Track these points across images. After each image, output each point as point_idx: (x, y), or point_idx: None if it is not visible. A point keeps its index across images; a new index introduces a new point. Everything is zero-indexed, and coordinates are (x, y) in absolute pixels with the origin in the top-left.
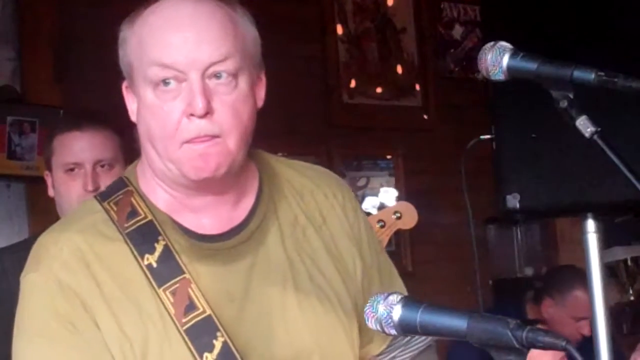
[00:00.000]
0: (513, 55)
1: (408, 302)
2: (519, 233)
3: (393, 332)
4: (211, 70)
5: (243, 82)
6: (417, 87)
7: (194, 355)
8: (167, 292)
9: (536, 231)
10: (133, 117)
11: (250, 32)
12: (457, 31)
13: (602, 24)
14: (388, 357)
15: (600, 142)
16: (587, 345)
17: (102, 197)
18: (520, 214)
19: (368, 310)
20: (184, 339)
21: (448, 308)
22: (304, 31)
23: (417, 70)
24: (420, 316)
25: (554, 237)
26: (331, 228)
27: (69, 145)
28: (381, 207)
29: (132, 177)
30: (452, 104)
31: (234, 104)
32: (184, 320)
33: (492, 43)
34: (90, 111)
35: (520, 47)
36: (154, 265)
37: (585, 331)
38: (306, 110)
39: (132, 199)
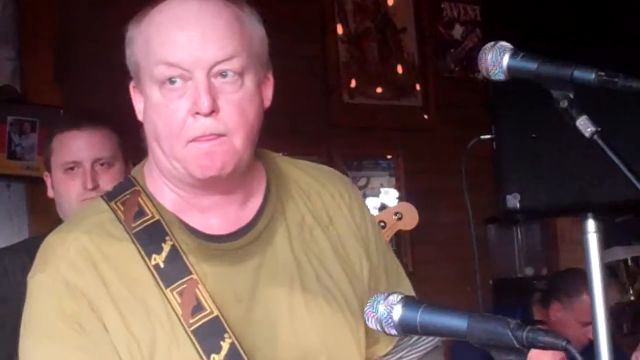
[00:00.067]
0: (513, 55)
1: (408, 302)
2: (519, 233)
3: (393, 332)
4: (217, 68)
5: (249, 81)
6: (418, 87)
7: (201, 357)
8: (175, 293)
9: (536, 231)
10: (140, 117)
11: (257, 31)
12: (458, 31)
13: (602, 24)
14: (394, 358)
15: (600, 142)
16: (593, 349)
17: (109, 197)
18: (520, 213)
19: (368, 310)
20: (191, 339)
21: (448, 308)
22: (304, 31)
23: (418, 70)
24: (421, 316)
25: (554, 237)
26: (338, 228)
27: (67, 144)
28: (382, 207)
29: (139, 176)
30: (453, 103)
31: (240, 102)
32: (191, 321)
33: (492, 43)
34: (89, 110)
35: (521, 47)
36: (161, 265)
37: (592, 335)
38: (306, 110)
39: (139, 199)
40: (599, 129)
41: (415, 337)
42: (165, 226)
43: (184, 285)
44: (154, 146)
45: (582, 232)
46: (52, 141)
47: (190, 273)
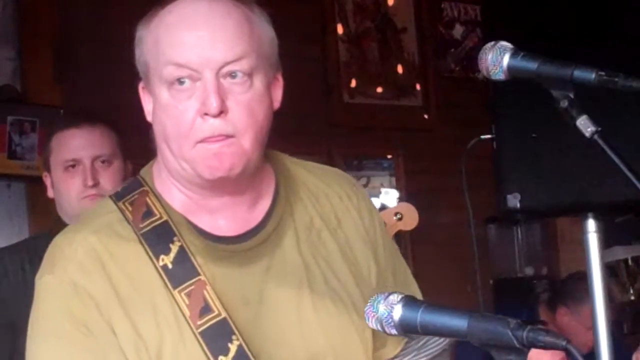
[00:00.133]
0: (513, 55)
1: (408, 301)
2: (519, 233)
3: (394, 331)
4: (226, 69)
5: (258, 81)
6: (418, 86)
7: (208, 358)
8: (182, 294)
9: (537, 231)
10: (149, 118)
11: (267, 32)
12: (458, 31)
13: (602, 24)
14: None
15: (600, 141)
16: None
17: (117, 196)
18: (520, 213)
19: (369, 310)
20: (198, 341)
21: (448, 308)
22: (304, 31)
23: (418, 70)
24: (421, 316)
25: (554, 237)
26: (346, 231)
27: (67, 142)
28: (382, 207)
29: (148, 177)
30: (453, 103)
31: (249, 103)
32: (199, 323)
33: (492, 43)
34: (87, 109)
35: (521, 47)
36: (169, 266)
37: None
38: (307, 110)
39: (148, 199)
40: (599, 128)
41: (424, 340)
42: (173, 227)
43: (192, 287)
44: (163, 147)
45: (583, 232)
46: (51, 140)
47: (198, 274)
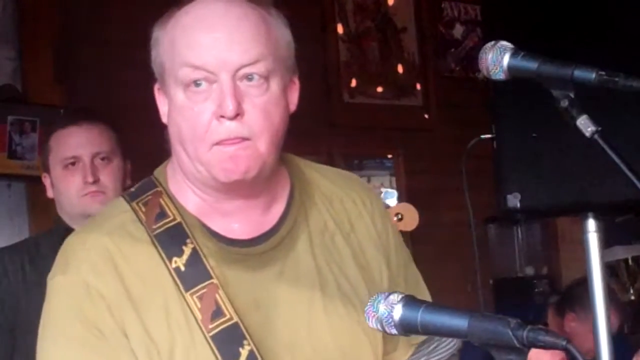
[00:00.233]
0: (514, 54)
1: (409, 301)
2: (519, 232)
3: (394, 331)
4: (242, 72)
5: (275, 84)
6: (418, 86)
7: None
8: (195, 297)
9: (537, 231)
10: (164, 119)
11: (284, 35)
12: (458, 30)
13: (602, 24)
14: None
15: (600, 141)
16: None
17: (131, 197)
18: (520, 213)
19: (369, 310)
20: (210, 345)
21: (449, 307)
22: (304, 31)
23: (418, 69)
24: (421, 316)
25: (554, 237)
26: (359, 236)
27: (66, 141)
28: None
29: (162, 177)
30: (453, 103)
31: (265, 106)
32: (210, 327)
33: (492, 42)
34: (86, 108)
35: (521, 47)
36: (182, 268)
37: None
38: (307, 110)
39: (161, 200)
40: (600, 128)
41: (434, 345)
42: (186, 229)
43: (204, 290)
44: (178, 149)
45: (583, 232)
46: (50, 139)
47: (211, 277)
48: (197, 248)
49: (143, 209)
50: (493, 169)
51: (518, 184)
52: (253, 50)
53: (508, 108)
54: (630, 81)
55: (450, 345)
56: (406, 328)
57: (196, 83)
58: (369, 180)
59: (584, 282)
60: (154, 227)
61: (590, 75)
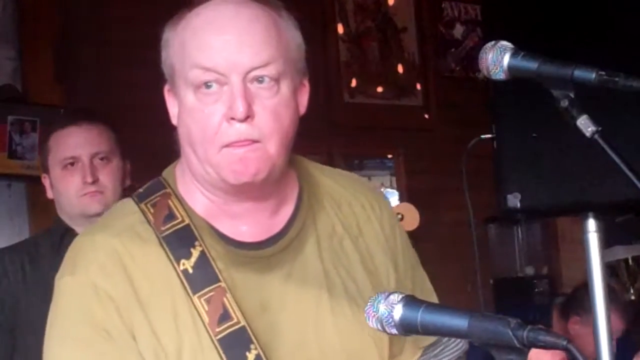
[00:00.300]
0: (514, 54)
1: (409, 301)
2: (519, 232)
3: (394, 331)
4: (252, 74)
5: (285, 87)
6: (418, 86)
7: None
8: (202, 300)
9: (537, 230)
10: (174, 121)
11: (294, 37)
12: (458, 30)
13: (602, 24)
14: None
15: (600, 141)
16: None
17: (139, 198)
18: (521, 213)
19: (369, 309)
20: (217, 349)
21: (449, 307)
22: (304, 31)
23: (418, 69)
24: (421, 315)
25: (554, 237)
26: (367, 240)
27: (65, 141)
28: None
29: (170, 178)
30: (453, 103)
31: (276, 108)
32: (217, 330)
33: (492, 42)
34: (85, 108)
35: (521, 47)
36: (190, 271)
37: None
38: (307, 110)
39: (170, 202)
40: (600, 128)
41: (440, 348)
42: (195, 231)
43: (212, 293)
44: (188, 150)
45: (583, 232)
46: (49, 140)
47: (219, 281)
48: (206, 251)
49: (151, 210)
50: (493, 169)
51: (518, 184)
52: (264, 52)
53: (508, 108)
54: (630, 81)
55: (457, 347)
56: (406, 328)
57: (207, 85)
58: (369, 180)
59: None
60: (163, 228)
61: (590, 75)
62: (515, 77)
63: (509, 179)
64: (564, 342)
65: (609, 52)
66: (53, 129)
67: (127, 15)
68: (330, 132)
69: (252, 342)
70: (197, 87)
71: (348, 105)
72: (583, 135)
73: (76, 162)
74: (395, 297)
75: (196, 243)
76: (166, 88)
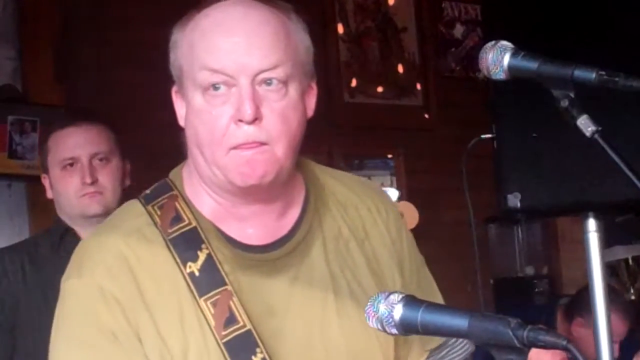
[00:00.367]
0: (514, 54)
1: (409, 301)
2: (519, 232)
3: (394, 331)
4: (261, 76)
5: (293, 90)
6: (418, 86)
7: None
8: (208, 303)
9: (537, 230)
10: (181, 122)
11: (303, 40)
12: (458, 30)
13: (602, 24)
14: None
15: (601, 141)
16: None
17: (146, 199)
18: (521, 213)
19: (369, 309)
20: (222, 352)
21: (449, 307)
22: None
23: (418, 69)
24: (421, 315)
25: (554, 237)
26: (373, 243)
27: (64, 141)
28: None
29: (177, 180)
30: (453, 103)
31: (284, 111)
32: (223, 333)
33: (493, 42)
34: (84, 109)
35: (521, 47)
36: (196, 274)
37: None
38: None
39: (177, 204)
40: (600, 128)
41: (447, 350)
42: (202, 234)
43: (218, 296)
44: (195, 152)
45: (583, 232)
46: (48, 140)
47: (225, 284)
48: (212, 254)
49: (158, 213)
50: (493, 168)
51: (518, 184)
52: (272, 55)
53: (508, 108)
54: (630, 81)
55: (463, 349)
56: (406, 328)
57: (215, 87)
58: (368, 180)
59: None
60: (169, 231)
61: (591, 75)
62: (516, 77)
63: (509, 179)
64: (564, 342)
65: (609, 52)
66: (52, 130)
67: (127, 15)
68: (330, 132)
69: (257, 346)
70: (205, 88)
71: (348, 105)
72: (583, 135)
73: (75, 163)
74: (395, 297)
75: (203, 246)
76: (174, 89)
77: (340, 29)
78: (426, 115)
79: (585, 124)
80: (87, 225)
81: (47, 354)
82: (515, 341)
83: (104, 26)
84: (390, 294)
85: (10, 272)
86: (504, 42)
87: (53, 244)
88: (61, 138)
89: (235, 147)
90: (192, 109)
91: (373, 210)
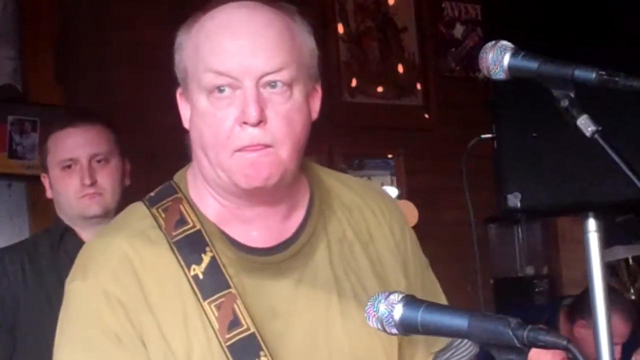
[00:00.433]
0: (514, 54)
1: (409, 301)
2: (519, 232)
3: (394, 331)
4: (265, 79)
5: (298, 92)
6: (418, 86)
7: None
8: (212, 306)
9: (537, 230)
10: (186, 124)
11: (307, 42)
12: (458, 30)
13: (602, 23)
14: None
15: (601, 141)
16: None
17: (151, 202)
18: (521, 213)
19: (369, 309)
20: (226, 355)
21: (449, 307)
22: None
23: (418, 69)
24: (422, 315)
25: (554, 237)
26: (377, 246)
27: (63, 142)
28: None
29: (182, 183)
30: (453, 103)
31: (288, 113)
32: (227, 336)
33: (493, 42)
34: (83, 109)
35: (521, 47)
36: (200, 276)
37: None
38: None
39: (181, 207)
40: (600, 128)
41: (451, 352)
42: (206, 237)
43: (222, 299)
44: (200, 154)
45: (583, 232)
46: (47, 140)
47: (229, 287)
48: (216, 257)
49: (162, 215)
50: (493, 168)
51: (518, 184)
52: (277, 57)
53: (508, 108)
54: (630, 81)
55: (467, 351)
56: (406, 328)
57: (219, 89)
58: (369, 180)
59: None
60: (174, 233)
61: (591, 75)
62: (516, 77)
63: (509, 179)
64: (564, 342)
65: (609, 52)
66: (52, 130)
67: (127, 15)
68: (330, 131)
69: (261, 349)
70: (210, 91)
71: (348, 105)
72: (583, 135)
73: (74, 164)
74: (396, 297)
75: (207, 249)
76: (178, 91)
77: (340, 28)
78: (426, 115)
79: (585, 124)
80: (87, 225)
81: (47, 353)
82: (515, 341)
83: (104, 26)
84: (390, 293)
85: (10, 272)
86: (504, 42)
87: (52, 244)
88: (60, 139)
89: (239, 150)
90: (196, 111)
91: (377, 213)
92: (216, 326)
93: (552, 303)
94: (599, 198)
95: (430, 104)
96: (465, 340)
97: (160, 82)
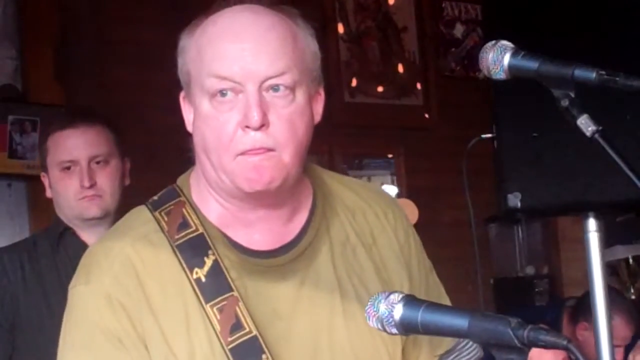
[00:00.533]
0: (514, 54)
1: (409, 301)
2: (520, 232)
3: (394, 331)
4: (268, 83)
5: (300, 96)
6: (419, 86)
7: None
8: (215, 309)
9: (537, 230)
10: (189, 128)
11: (310, 46)
12: (459, 30)
13: (602, 23)
14: None
15: (601, 141)
16: None
17: (154, 206)
18: (521, 213)
19: (370, 309)
20: (228, 358)
21: (449, 307)
22: None
23: (419, 69)
24: (422, 315)
25: (555, 236)
26: (381, 249)
27: (63, 143)
28: None
29: (185, 186)
30: (453, 103)
31: (290, 117)
32: (229, 339)
33: (493, 42)
34: (83, 109)
35: (522, 46)
36: (203, 280)
37: (617, 359)
38: None
39: (184, 210)
40: (600, 128)
41: (455, 354)
42: (208, 240)
43: (224, 302)
44: (203, 158)
45: (583, 231)
46: (47, 141)
47: (232, 290)
48: (219, 260)
49: (165, 219)
50: (493, 168)
51: (519, 184)
52: (280, 61)
53: (509, 107)
54: (630, 81)
55: (472, 354)
56: (407, 327)
57: (222, 93)
58: (369, 180)
59: None
60: (176, 237)
61: (591, 74)
62: (516, 77)
63: (510, 179)
64: (564, 342)
65: (609, 51)
66: (51, 130)
67: (127, 15)
68: (330, 131)
69: (263, 352)
70: (212, 95)
71: (348, 104)
72: (583, 134)
73: (74, 166)
74: (396, 297)
75: (209, 252)
76: (182, 95)
77: (341, 28)
78: (426, 115)
79: (586, 124)
80: (86, 226)
81: (46, 352)
82: (516, 341)
83: (104, 26)
84: (390, 293)
85: (9, 271)
86: (504, 42)
87: (52, 243)
88: (60, 139)
89: (242, 153)
90: (199, 114)
91: (381, 216)
92: (218, 329)
93: (554, 303)
94: (599, 198)
95: (431, 103)
96: (470, 343)
97: (160, 82)
